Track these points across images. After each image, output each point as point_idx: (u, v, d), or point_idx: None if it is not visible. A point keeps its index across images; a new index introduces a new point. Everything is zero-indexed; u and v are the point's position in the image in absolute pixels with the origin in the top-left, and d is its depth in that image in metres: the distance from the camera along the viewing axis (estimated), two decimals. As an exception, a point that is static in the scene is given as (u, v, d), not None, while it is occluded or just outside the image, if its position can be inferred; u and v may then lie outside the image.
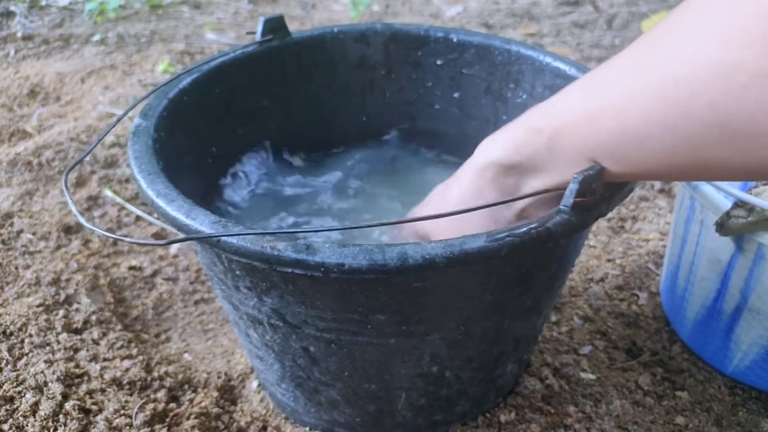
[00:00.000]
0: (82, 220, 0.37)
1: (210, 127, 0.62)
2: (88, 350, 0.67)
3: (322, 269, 0.38)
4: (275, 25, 0.64)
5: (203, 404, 0.62)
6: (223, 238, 0.39)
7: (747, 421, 0.63)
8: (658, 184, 0.95)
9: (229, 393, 0.65)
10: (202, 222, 0.40)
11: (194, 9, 1.61)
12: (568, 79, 0.61)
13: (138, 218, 0.89)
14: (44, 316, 0.70)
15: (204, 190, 0.61)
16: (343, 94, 0.70)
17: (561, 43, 1.40)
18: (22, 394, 0.61)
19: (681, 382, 0.67)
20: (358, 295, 0.43)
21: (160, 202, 0.43)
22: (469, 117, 0.70)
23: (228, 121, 0.64)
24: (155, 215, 0.84)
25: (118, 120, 0.50)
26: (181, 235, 0.41)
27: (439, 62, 0.68)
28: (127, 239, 0.37)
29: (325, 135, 0.71)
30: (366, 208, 0.65)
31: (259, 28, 0.64)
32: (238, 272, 0.44)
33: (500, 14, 1.55)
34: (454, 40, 0.66)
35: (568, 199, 0.40)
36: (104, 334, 0.70)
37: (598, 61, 1.31)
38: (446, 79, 0.68)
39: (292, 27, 1.48)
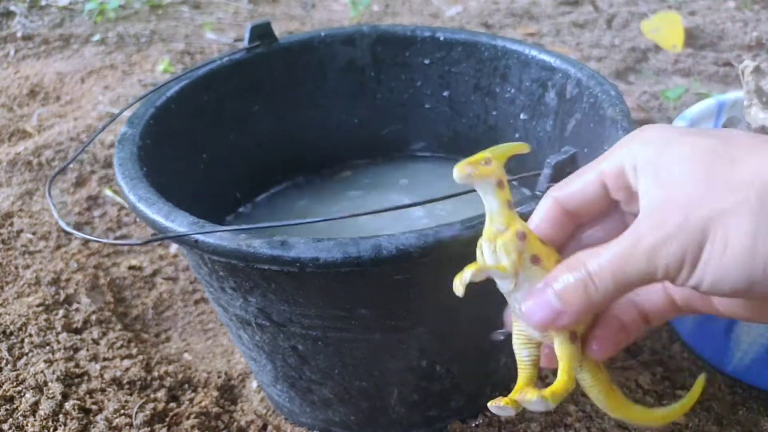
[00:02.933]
0: (62, 224, 0.39)
1: (200, 134, 0.63)
2: (88, 350, 0.67)
3: (298, 264, 0.38)
4: (262, 32, 0.65)
5: (203, 404, 0.62)
6: (200, 238, 0.40)
7: (747, 420, 0.63)
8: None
9: (229, 392, 0.65)
10: (181, 223, 0.41)
11: (194, 9, 1.61)
12: (554, 72, 0.61)
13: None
14: (44, 316, 0.70)
15: (194, 194, 0.62)
16: (333, 97, 0.70)
17: (561, 43, 1.40)
18: (22, 394, 0.61)
19: (681, 381, 0.67)
20: (339, 290, 0.43)
21: (141, 206, 0.44)
22: (460, 114, 0.70)
23: (219, 128, 0.65)
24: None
25: (96, 135, 0.52)
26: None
27: (426, 62, 0.68)
28: (106, 240, 0.38)
29: (318, 140, 0.72)
30: (365, 208, 0.65)
31: (247, 35, 0.65)
32: (221, 273, 0.45)
33: (500, 14, 1.55)
34: (441, 38, 0.66)
35: (542, 184, 0.40)
36: (104, 334, 0.70)
37: (597, 61, 1.31)
38: (435, 78, 0.68)
39: (292, 27, 1.48)
